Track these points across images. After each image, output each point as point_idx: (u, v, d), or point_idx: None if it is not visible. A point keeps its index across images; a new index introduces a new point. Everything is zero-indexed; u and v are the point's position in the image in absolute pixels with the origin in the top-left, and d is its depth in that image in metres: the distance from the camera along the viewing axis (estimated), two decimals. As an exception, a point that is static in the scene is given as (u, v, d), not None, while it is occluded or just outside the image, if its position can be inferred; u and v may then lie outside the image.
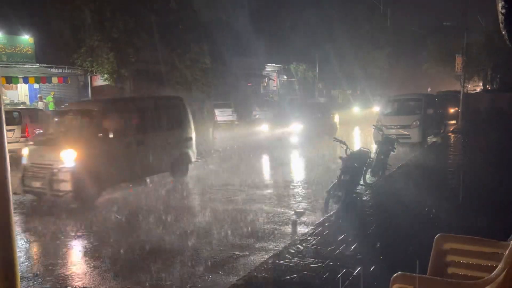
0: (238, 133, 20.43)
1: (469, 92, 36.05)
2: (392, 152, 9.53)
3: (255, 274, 4.43)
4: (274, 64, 42.24)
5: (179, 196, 8.71)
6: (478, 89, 45.38)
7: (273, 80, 43.88)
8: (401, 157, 11.82)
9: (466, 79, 23.89)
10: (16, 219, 6.91)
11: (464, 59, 20.06)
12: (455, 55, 22.02)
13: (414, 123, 13.84)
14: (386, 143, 9.23)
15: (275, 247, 5.53)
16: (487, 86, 33.86)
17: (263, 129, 17.79)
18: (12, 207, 2.68)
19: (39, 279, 4.86)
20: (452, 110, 21.13)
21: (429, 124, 14.70)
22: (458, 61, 20.98)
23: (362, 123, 22.20)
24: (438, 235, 3.12)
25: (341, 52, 43.42)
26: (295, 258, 4.76)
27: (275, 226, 6.51)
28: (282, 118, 17.32)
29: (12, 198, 2.13)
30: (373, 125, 12.21)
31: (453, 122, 19.69)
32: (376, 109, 23.57)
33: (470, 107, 19.85)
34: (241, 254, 5.39)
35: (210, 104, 22.91)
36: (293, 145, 15.58)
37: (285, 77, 46.18)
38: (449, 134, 17.03)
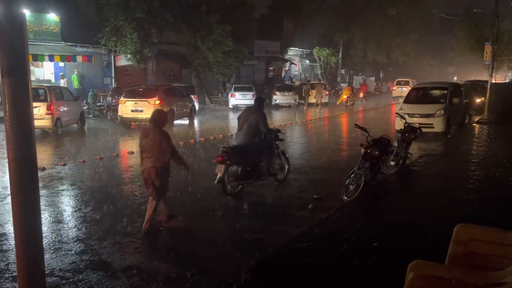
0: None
1: (497, 82, 34.96)
2: (414, 141, 9.37)
3: (271, 255, 4.49)
4: (297, 48, 41.70)
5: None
6: (508, 79, 43.97)
7: (295, 64, 43.41)
8: (423, 146, 11.63)
9: (494, 69, 23.15)
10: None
11: (494, 48, 19.40)
12: (484, 43, 21.31)
13: (438, 112, 13.52)
14: (408, 132, 9.08)
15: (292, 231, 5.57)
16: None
17: None
18: (39, 187, 2.67)
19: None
20: (478, 100, 20.58)
21: (454, 114, 14.37)
22: (487, 49, 20.28)
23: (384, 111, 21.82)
24: (458, 225, 3.09)
25: (365, 37, 42.53)
26: (312, 242, 4.79)
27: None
28: None
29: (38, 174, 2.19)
30: (396, 113, 12.01)
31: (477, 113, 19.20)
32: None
33: (498, 98, 19.24)
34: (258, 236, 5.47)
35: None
36: None
37: (307, 61, 45.63)
38: (474, 124, 16.63)
